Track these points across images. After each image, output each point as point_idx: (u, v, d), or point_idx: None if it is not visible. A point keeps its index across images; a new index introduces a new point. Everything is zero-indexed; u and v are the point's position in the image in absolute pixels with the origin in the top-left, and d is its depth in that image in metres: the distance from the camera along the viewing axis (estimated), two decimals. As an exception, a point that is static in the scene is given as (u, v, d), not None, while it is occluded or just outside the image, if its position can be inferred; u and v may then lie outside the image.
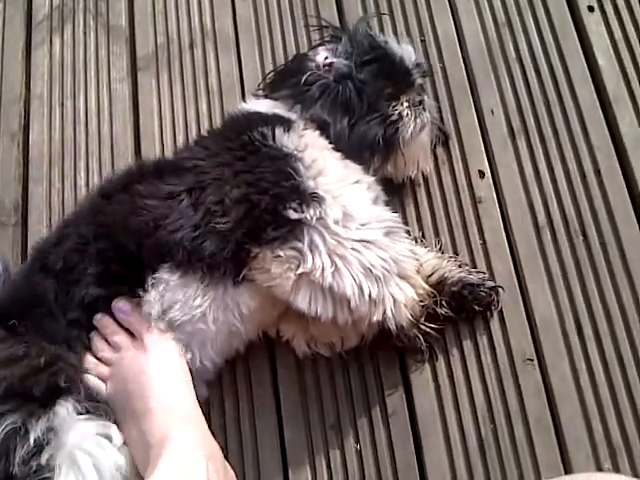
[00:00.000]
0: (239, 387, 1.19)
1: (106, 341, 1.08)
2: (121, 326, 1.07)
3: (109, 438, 1.00)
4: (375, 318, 1.03)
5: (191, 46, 1.48)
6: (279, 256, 1.02)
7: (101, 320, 1.08)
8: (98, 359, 1.08)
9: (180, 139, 1.39)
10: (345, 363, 1.17)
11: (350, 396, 1.15)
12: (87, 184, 1.39)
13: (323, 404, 1.16)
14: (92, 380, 1.06)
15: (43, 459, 0.97)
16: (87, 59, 1.51)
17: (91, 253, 1.06)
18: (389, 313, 1.03)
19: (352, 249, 1.02)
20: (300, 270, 1.01)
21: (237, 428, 1.16)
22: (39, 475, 0.96)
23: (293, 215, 1.02)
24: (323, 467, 1.12)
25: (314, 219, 1.02)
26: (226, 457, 1.13)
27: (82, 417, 1.00)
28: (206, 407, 1.17)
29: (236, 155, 1.08)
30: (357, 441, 1.13)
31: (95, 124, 1.44)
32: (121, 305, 1.07)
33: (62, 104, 1.48)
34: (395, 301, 1.03)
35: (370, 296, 1.01)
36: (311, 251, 1.01)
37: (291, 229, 1.02)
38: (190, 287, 1.04)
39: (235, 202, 1.03)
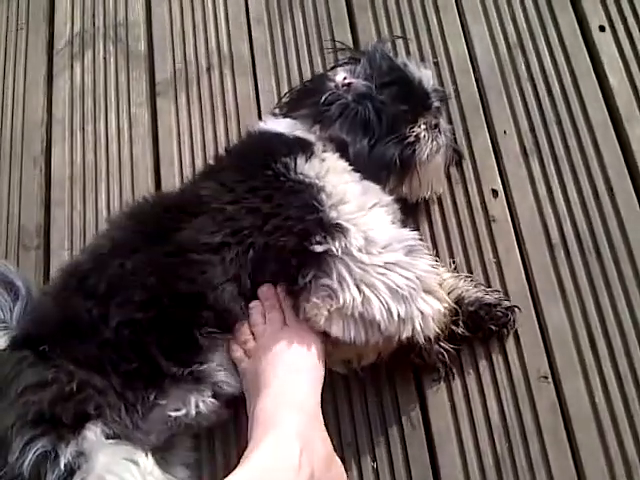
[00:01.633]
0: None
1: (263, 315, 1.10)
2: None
3: (136, 463, 1.01)
4: (405, 335, 1.05)
5: (208, 70, 1.51)
6: (313, 302, 1.04)
7: (267, 291, 1.09)
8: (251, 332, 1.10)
9: (198, 162, 1.42)
10: (362, 383, 1.18)
11: (367, 415, 1.17)
12: (108, 206, 1.42)
13: (340, 423, 1.17)
14: (236, 353, 1.09)
15: None
16: (107, 84, 1.55)
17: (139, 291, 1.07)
18: (418, 328, 1.04)
19: (377, 274, 1.03)
20: (333, 308, 1.03)
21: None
22: None
23: (318, 248, 1.03)
24: (341, 485, 1.13)
25: (340, 251, 1.03)
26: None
27: (111, 441, 1.02)
28: (224, 426, 1.19)
29: (262, 195, 1.09)
30: (374, 459, 1.14)
31: (115, 147, 1.47)
32: (264, 289, 1.09)
33: (83, 128, 1.51)
34: (423, 315, 1.04)
35: (399, 316, 1.03)
36: (340, 285, 1.02)
37: (318, 264, 1.03)
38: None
39: (264, 252, 1.06)
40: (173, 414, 1.08)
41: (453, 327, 1.12)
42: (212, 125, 1.45)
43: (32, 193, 1.47)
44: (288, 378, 1.04)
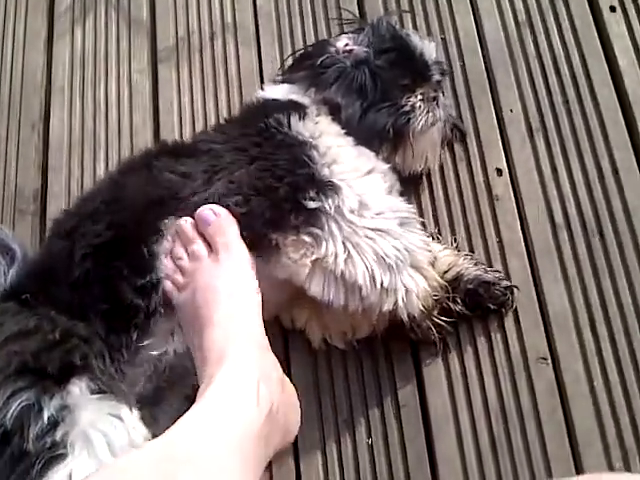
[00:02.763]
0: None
1: (185, 249, 1.07)
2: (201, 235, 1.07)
3: (120, 418, 1.00)
4: (386, 307, 1.04)
5: (211, 38, 1.48)
6: (296, 240, 1.02)
7: (184, 225, 1.07)
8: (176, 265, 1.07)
9: (199, 131, 1.39)
10: (359, 358, 1.17)
11: (363, 391, 1.16)
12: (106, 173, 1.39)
13: (336, 399, 1.16)
14: (167, 286, 1.06)
15: (57, 436, 0.97)
16: (108, 51, 1.52)
17: (105, 220, 1.07)
18: (400, 303, 1.03)
19: (366, 237, 1.03)
20: (314, 256, 1.02)
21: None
22: (53, 451, 0.97)
23: (311, 204, 1.03)
24: (335, 461, 1.13)
25: (332, 208, 1.02)
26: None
27: (95, 396, 1.01)
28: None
29: (252, 141, 1.09)
30: (369, 436, 1.13)
31: (115, 115, 1.45)
32: (204, 214, 1.05)
33: (83, 95, 1.49)
34: (407, 291, 1.03)
35: (382, 285, 1.02)
36: (326, 238, 1.02)
37: (310, 216, 1.03)
38: None
39: (253, 189, 1.04)
40: (156, 353, 1.06)
41: (450, 304, 1.11)
42: (214, 94, 1.43)
43: (29, 158, 1.45)
44: (231, 308, 1.01)
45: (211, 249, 1.06)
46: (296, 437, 1.13)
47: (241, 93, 1.42)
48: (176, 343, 1.07)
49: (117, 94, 1.47)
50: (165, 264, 1.06)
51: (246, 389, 0.92)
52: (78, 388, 1.01)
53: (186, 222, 1.06)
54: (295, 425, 1.05)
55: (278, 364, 1.02)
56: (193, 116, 1.42)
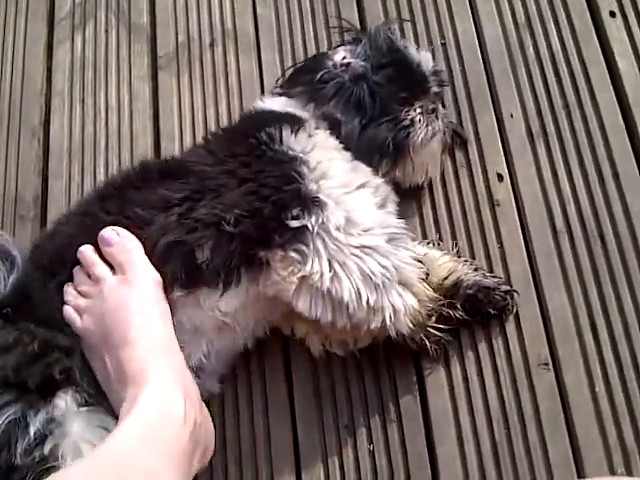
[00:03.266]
0: (253, 387, 1.19)
1: (88, 275, 1.06)
2: (104, 259, 1.06)
3: (109, 431, 0.98)
4: (374, 325, 1.03)
5: (212, 45, 1.48)
6: (285, 257, 1.02)
7: (84, 252, 1.06)
8: (78, 292, 1.06)
9: (199, 138, 1.39)
10: (360, 365, 1.16)
11: (364, 397, 1.15)
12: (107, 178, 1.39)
13: (337, 405, 1.15)
14: (67, 311, 1.05)
15: (46, 449, 0.97)
16: (108, 57, 1.52)
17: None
18: (388, 321, 1.03)
19: (352, 255, 1.02)
20: (301, 273, 1.01)
21: (251, 428, 1.16)
22: (43, 465, 0.96)
23: (294, 223, 1.02)
24: (336, 467, 1.12)
25: (316, 226, 1.01)
26: (239, 456, 1.14)
27: (83, 409, 1.00)
28: (220, 406, 1.18)
29: (241, 162, 1.08)
30: (370, 442, 1.13)
31: (115, 121, 1.45)
32: (106, 235, 1.05)
33: (83, 100, 1.48)
34: (394, 309, 1.03)
35: (368, 303, 1.01)
36: (312, 256, 1.01)
37: (295, 234, 1.02)
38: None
39: (243, 210, 1.03)
40: None
41: (450, 310, 1.11)
42: (214, 101, 1.43)
43: (30, 164, 1.44)
44: (145, 326, 0.99)
45: (114, 271, 1.05)
46: (297, 442, 1.14)
47: (241, 100, 1.42)
48: None
49: (117, 100, 1.47)
50: (65, 291, 1.07)
51: (174, 407, 0.92)
52: (64, 401, 1.00)
53: (86, 249, 1.06)
54: (212, 443, 1.02)
55: (194, 383, 1.01)
56: (193, 122, 1.41)
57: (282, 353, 1.20)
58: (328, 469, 1.12)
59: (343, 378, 1.17)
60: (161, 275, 1.03)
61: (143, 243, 1.05)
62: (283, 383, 1.19)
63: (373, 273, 1.01)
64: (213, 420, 1.03)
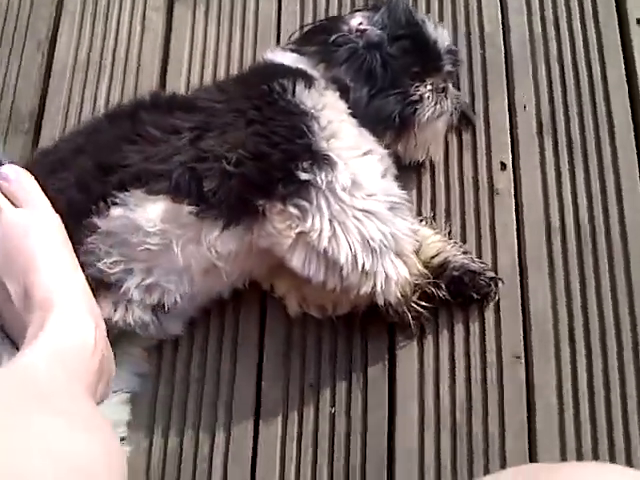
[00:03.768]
0: (225, 334, 1.18)
1: None
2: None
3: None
4: (364, 290, 1.03)
5: (234, -17, 1.45)
6: (283, 211, 1.00)
7: None
8: None
9: (207, 77, 1.37)
10: (334, 327, 1.16)
11: (334, 359, 1.15)
12: (107, 105, 1.36)
13: (305, 361, 1.15)
14: None
15: None
16: (125, -18, 1.48)
17: (75, 164, 1.06)
18: (378, 288, 1.03)
19: (354, 217, 1.01)
20: (299, 229, 1.00)
21: (217, 368, 1.16)
22: None
23: (303, 176, 1.00)
24: (295, 423, 1.12)
25: (324, 183, 1.00)
26: (200, 398, 1.14)
27: None
28: (188, 346, 1.17)
29: (252, 104, 1.07)
30: (333, 405, 1.12)
31: (124, 48, 1.41)
32: (5, 171, 1.02)
33: (93, 23, 1.45)
34: (387, 277, 1.02)
35: (363, 267, 1.01)
36: (313, 212, 1.00)
37: (299, 188, 1.01)
38: (156, 216, 1.03)
39: (248, 152, 1.02)
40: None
41: (434, 289, 1.11)
42: (227, 42, 1.40)
43: (31, 77, 1.41)
44: (49, 252, 0.96)
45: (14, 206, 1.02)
46: (260, 392, 1.13)
47: (255, 42, 1.39)
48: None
49: (128, 28, 1.43)
50: None
51: (85, 335, 0.89)
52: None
53: None
54: (113, 371, 0.98)
55: (100, 313, 0.97)
56: (203, 61, 1.39)
57: (259, 306, 1.19)
58: (286, 425, 1.12)
59: (316, 337, 1.16)
60: (175, 189, 1.02)
61: (158, 159, 1.03)
62: (255, 335, 1.17)
63: (372, 238, 1.00)
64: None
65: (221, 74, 1.37)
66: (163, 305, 1.08)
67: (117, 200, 1.03)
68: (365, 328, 1.16)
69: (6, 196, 1.01)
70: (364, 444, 1.10)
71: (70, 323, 0.89)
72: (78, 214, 1.04)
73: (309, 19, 1.40)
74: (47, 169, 1.07)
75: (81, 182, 1.05)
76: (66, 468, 0.62)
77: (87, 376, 0.85)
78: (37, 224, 0.99)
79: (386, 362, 1.14)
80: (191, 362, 1.16)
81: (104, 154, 1.06)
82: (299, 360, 1.15)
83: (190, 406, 1.14)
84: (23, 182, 1.02)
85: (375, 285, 1.02)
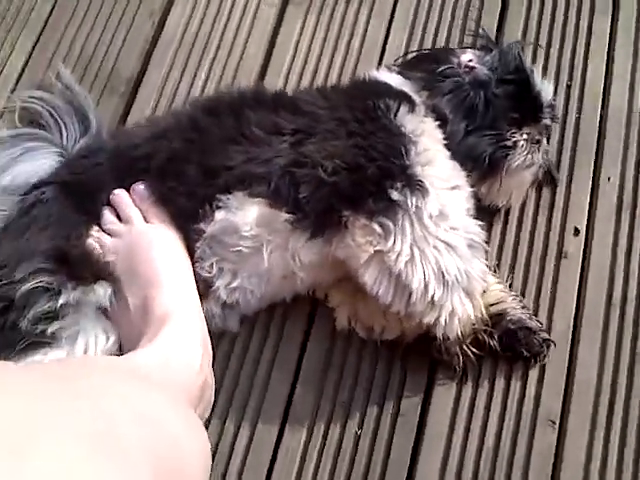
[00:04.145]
0: (270, 331, 1.19)
1: (117, 216, 1.08)
2: None
3: (108, 339, 1.02)
4: (427, 320, 1.04)
5: (348, 0, 1.46)
6: (367, 226, 1.01)
7: (119, 194, 1.09)
8: (104, 230, 1.08)
9: (305, 80, 1.39)
10: (377, 349, 1.16)
11: (370, 382, 1.15)
12: (204, 87, 1.39)
13: (342, 379, 1.16)
14: (90, 246, 1.06)
15: (51, 328, 0.99)
16: (246, -29, 1.50)
17: (181, 171, 1.08)
18: (442, 321, 1.03)
19: (434, 247, 1.02)
20: (378, 247, 1.01)
21: (252, 372, 1.16)
22: (40, 338, 0.99)
23: (395, 195, 1.02)
24: (319, 436, 1.12)
25: (413, 207, 1.01)
26: (231, 396, 1.15)
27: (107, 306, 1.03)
28: (230, 341, 1.18)
29: (355, 116, 1.08)
30: (360, 427, 1.13)
31: (232, 34, 1.44)
32: (140, 189, 1.08)
33: (208, 3, 1.47)
34: (452, 312, 1.03)
35: (432, 298, 1.02)
36: (396, 234, 1.01)
37: (388, 207, 1.02)
38: (253, 219, 1.04)
39: (343, 162, 1.03)
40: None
41: (486, 337, 1.11)
42: (331, 53, 1.41)
43: (137, 43, 1.44)
44: (172, 271, 1.01)
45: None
46: (292, 398, 1.14)
47: (358, 60, 1.41)
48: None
49: (241, 16, 1.45)
50: (92, 228, 1.08)
51: (193, 354, 0.93)
52: (104, 290, 1.02)
53: (122, 191, 1.09)
54: (211, 403, 1.03)
55: (210, 345, 1.01)
56: (304, 66, 1.40)
57: (307, 314, 1.20)
58: (310, 439, 1.12)
59: (356, 357, 1.17)
60: (274, 194, 1.04)
61: (260, 162, 1.05)
62: (297, 343, 1.18)
63: (447, 271, 1.01)
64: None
65: (319, 81, 1.39)
66: (237, 303, 1.10)
67: (221, 204, 1.05)
68: (407, 358, 1.16)
69: None
70: (383, 473, 1.10)
71: (182, 341, 0.93)
72: (187, 220, 1.07)
73: (414, 47, 1.41)
74: (156, 173, 1.10)
75: (188, 189, 1.07)
76: (167, 454, 0.63)
77: (191, 392, 0.89)
78: (164, 241, 1.05)
79: (421, 397, 1.14)
80: (230, 357, 1.17)
81: (209, 157, 1.08)
82: (336, 376, 1.16)
83: (220, 403, 1.14)
84: (153, 200, 1.07)
85: (439, 317, 1.02)
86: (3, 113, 1.36)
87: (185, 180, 1.07)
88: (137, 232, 1.05)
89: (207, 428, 1.12)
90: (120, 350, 1.03)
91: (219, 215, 1.05)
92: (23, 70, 1.42)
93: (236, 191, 1.05)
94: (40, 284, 0.99)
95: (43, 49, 1.44)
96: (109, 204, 1.10)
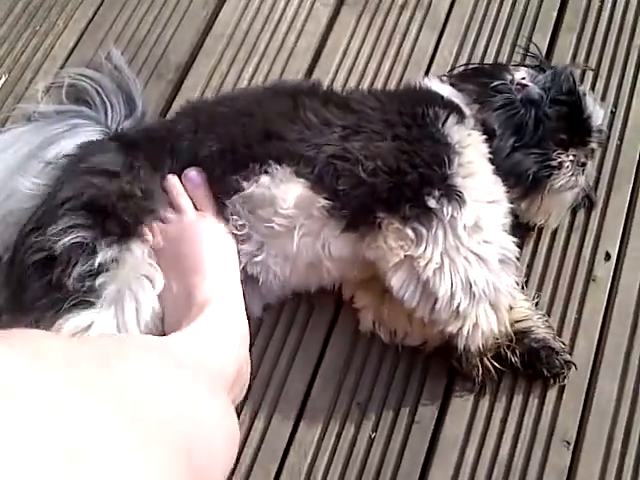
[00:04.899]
0: (293, 327, 1.20)
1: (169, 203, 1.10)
2: None
3: (154, 286, 1.04)
4: (450, 329, 1.05)
5: (403, 7, 1.47)
6: (400, 230, 1.02)
7: (171, 180, 1.10)
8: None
9: (351, 82, 1.40)
10: (398, 354, 1.17)
11: (388, 386, 1.16)
12: (251, 79, 1.40)
13: (360, 382, 1.16)
14: (142, 229, 1.07)
15: (97, 283, 1.01)
16: (306, -31, 1.51)
17: (243, 122, 1.11)
18: (465, 331, 1.04)
19: (465, 258, 1.03)
20: (409, 252, 1.02)
21: (273, 364, 1.17)
22: (86, 296, 1.00)
23: (432, 203, 1.03)
24: (333, 434, 1.13)
25: (448, 216, 1.02)
26: (250, 385, 1.14)
27: (148, 261, 1.05)
28: (255, 327, 1.18)
29: (403, 121, 1.10)
30: (375, 430, 1.13)
31: (284, 30, 1.45)
32: (193, 175, 1.09)
33: (262, -1, 1.49)
34: (476, 323, 1.04)
35: (458, 307, 1.02)
36: (428, 241, 1.02)
37: (423, 213, 1.03)
38: (293, 198, 1.06)
39: (385, 165, 1.05)
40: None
41: (508, 353, 1.11)
42: (380, 58, 1.43)
43: (188, 32, 1.45)
44: (218, 261, 1.04)
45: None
46: (309, 393, 1.15)
47: (405, 68, 1.42)
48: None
49: (295, 13, 1.47)
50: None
51: (230, 340, 0.95)
52: (140, 250, 1.04)
53: (174, 178, 1.10)
54: (243, 392, 1.05)
55: (248, 339, 1.03)
56: (352, 68, 1.41)
57: (331, 313, 1.21)
58: (325, 432, 1.13)
59: (377, 360, 1.17)
60: (317, 179, 1.05)
61: (311, 145, 1.07)
62: (320, 340, 1.19)
63: (475, 283, 1.02)
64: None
65: (365, 84, 1.40)
66: (257, 280, 1.10)
67: (269, 169, 1.06)
68: (426, 366, 1.17)
69: None
70: (394, 478, 1.10)
71: (219, 328, 0.96)
72: (234, 167, 1.08)
73: (464, 59, 1.42)
74: (208, 120, 1.12)
75: (246, 139, 1.09)
76: (198, 438, 0.64)
77: (224, 378, 0.90)
78: (213, 232, 1.07)
79: (438, 405, 1.15)
80: (253, 343, 1.18)
81: (271, 121, 1.10)
82: (355, 375, 1.17)
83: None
84: (206, 188, 1.09)
85: (462, 328, 1.03)
86: (50, 88, 1.37)
87: (247, 132, 1.09)
88: (187, 222, 1.07)
89: (239, 415, 1.13)
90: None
91: (264, 179, 1.06)
92: (74, 48, 1.45)
93: (285, 165, 1.06)
94: (78, 239, 1.01)
95: (96, 29, 1.46)
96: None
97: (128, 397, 0.59)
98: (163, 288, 1.04)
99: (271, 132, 1.08)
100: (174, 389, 0.67)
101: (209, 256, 1.04)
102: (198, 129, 1.11)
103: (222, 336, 0.96)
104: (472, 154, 1.09)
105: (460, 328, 1.04)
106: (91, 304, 1.01)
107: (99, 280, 1.01)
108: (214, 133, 1.10)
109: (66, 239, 1.01)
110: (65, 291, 1.00)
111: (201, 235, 1.06)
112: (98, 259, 1.00)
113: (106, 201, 1.04)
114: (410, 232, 1.02)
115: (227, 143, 1.09)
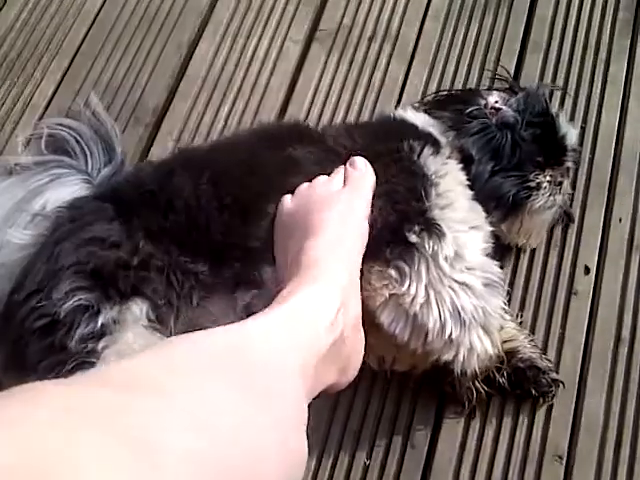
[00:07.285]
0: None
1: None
2: None
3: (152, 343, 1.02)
4: (445, 357, 1.05)
5: (370, 39, 1.50)
6: (382, 272, 1.04)
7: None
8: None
9: (325, 117, 1.43)
10: (387, 384, 1.19)
11: (379, 415, 1.17)
12: (226, 119, 1.43)
13: (351, 410, 1.17)
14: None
15: (99, 345, 1.00)
16: (274, 9, 1.54)
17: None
18: (460, 357, 1.05)
19: (450, 287, 1.04)
20: (393, 291, 1.04)
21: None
22: (88, 357, 0.99)
23: (413, 239, 1.04)
24: (328, 464, 1.14)
25: (430, 250, 1.04)
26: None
27: (147, 323, 1.03)
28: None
29: (380, 160, 1.11)
30: (369, 457, 1.14)
31: (256, 70, 1.48)
32: (360, 160, 1.08)
33: (235, 38, 1.51)
34: (471, 348, 1.05)
35: (450, 336, 1.03)
36: (412, 277, 1.03)
37: (405, 250, 1.04)
38: None
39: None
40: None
41: (496, 374, 1.13)
42: (352, 91, 1.45)
43: (164, 75, 1.48)
44: (339, 228, 1.00)
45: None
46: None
47: (377, 99, 1.44)
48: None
49: (266, 52, 1.50)
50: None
51: (327, 308, 0.89)
52: (139, 309, 1.03)
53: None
54: (356, 365, 0.99)
55: (360, 304, 0.99)
56: (324, 103, 1.44)
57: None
58: (320, 462, 1.14)
59: (367, 387, 1.19)
60: None
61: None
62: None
63: (464, 309, 1.03)
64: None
65: (340, 115, 1.43)
66: None
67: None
68: (416, 391, 1.18)
69: None
70: (390, 504, 1.12)
71: (321, 294, 0.90)
72: None
73: (434, 85, 1.45)
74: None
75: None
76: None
77: (308, 352, 0.83)
78: (349, 206, 1.03)
79: (430, 429, 1.16)
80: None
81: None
82: (347, 406, 1.18)
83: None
84: (366, 175, 1.08)
85: (457, 354, 1.04)
86: (30, 140, 1.39)
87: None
88: (328, 193, 1.06)
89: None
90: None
91: None
92: (52, 97, 1.47)
93: None
94: (81, 302, 1.01)
95: (72, 78, 1.48)
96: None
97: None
98: (279, 249, 1.04)
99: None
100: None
101: (332, 225, 1.01)
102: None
103: (315, 304, 0.90)
104: (449, 183, 1.11)
105: (455, 355, 1.05)
106: (92, 365, 1.01)
107: (102, 342, 1.00)
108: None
109: (70, 302, 1.01)
110: (67, 353, 1.00)
111: (334, 205, 1.03)
112: (100, 320, 1.01)
113: (109, 269, 1.04)
114: (393, 272, 1.03)
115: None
